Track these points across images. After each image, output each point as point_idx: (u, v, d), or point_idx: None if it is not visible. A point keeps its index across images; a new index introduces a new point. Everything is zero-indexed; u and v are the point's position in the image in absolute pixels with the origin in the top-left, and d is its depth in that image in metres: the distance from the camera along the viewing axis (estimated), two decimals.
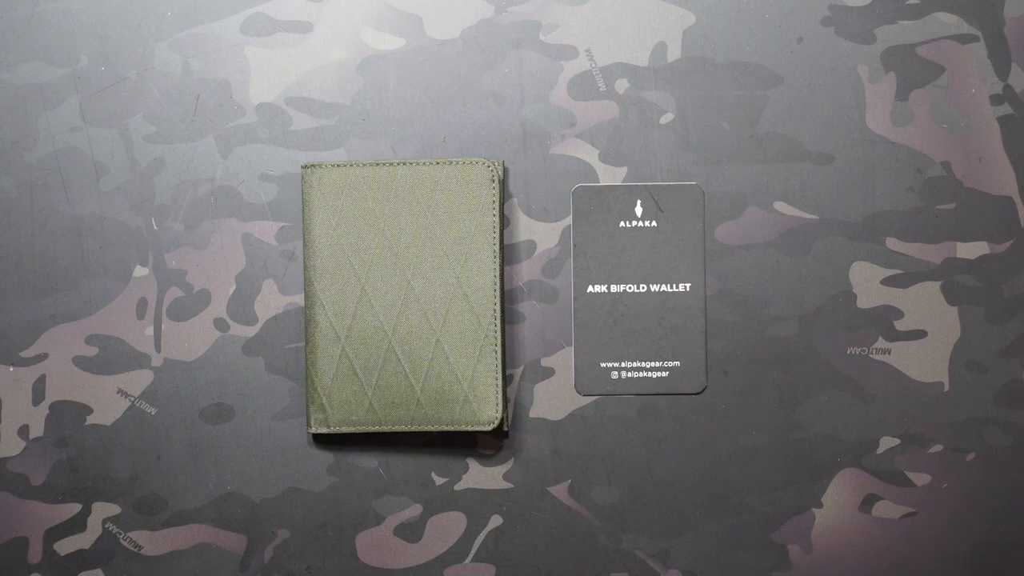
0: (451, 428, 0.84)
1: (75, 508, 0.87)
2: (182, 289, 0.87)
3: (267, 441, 0.87)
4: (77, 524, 0.87)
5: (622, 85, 0.87)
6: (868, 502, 0.87)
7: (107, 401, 0.87)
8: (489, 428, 0.83)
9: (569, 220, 0.87)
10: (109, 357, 0.87)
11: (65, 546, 0.87)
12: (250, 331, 0.87)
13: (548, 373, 0.87)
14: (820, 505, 0.87)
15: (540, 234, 0.87)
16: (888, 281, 0.87)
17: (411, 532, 0.87)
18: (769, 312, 0.87)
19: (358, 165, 0.84)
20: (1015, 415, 0.87)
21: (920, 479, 0.87)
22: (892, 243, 0.87)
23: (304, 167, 0.85)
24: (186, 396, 0.87)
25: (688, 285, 0.87)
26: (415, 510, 0.87)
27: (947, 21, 0.88)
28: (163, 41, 0.87)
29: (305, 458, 0.87)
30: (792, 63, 0.87)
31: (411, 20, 0.88)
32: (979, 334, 0.87)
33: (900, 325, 0.87)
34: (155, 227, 0.87)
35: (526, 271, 0.87)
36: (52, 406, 0.87)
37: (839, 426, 0.87)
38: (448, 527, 0.87)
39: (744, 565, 0.87)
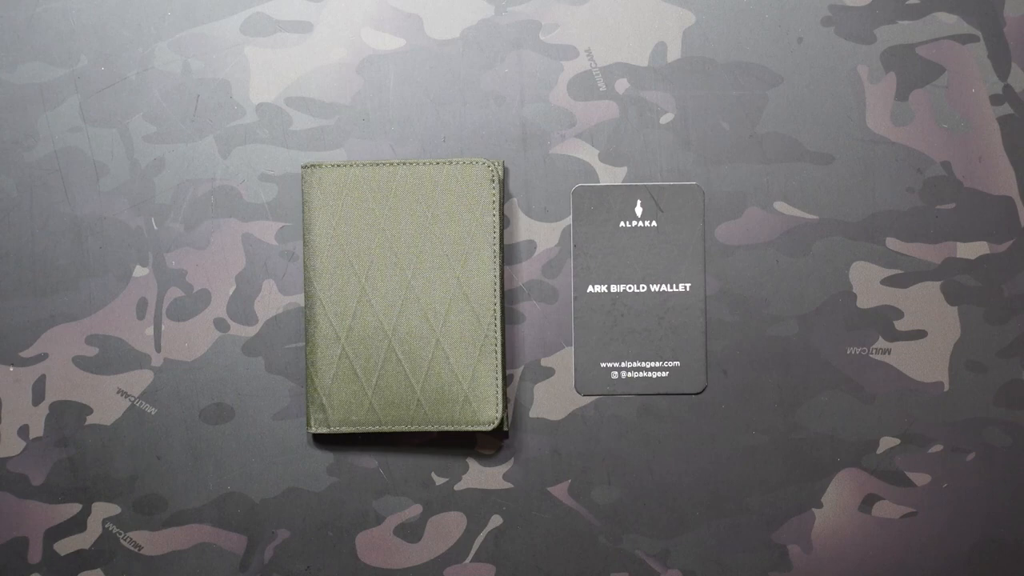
0: (451, 428, 0.84)
1: (75, 508, 0.87)
2: (182, 289, 0.87)
3: (267, 441, 0.87)
4: (77, 524, 0.87)
5: (622, 85, 0.87)
6: (868, 502, 0.87)
7: (107, 401, 0.87)
8: (489, 428, 0.83)
9: (569, 220, 0.87)
10: (109, 357, 0.87)
11: (65, 546, 0.87)
12: (250, 331, 0.87)
13: (548, 373, 0.87)
14: (820, 505, 0.87)
15: (540, 234, 0.87)
16: (888, 281, 0.87)
17: (411, 532, 0.87)
18: (769, 312, 0.87)
19: (358, 165, 0.84)
20: (1015, 415, 0.87)
21: (920, 479, 0.87)
22: (892, 243, 0.87)
23: (304, 167, 0.85)
24: (186, 396, 0.87)
25: (688, 285, 0.87)
26: (415, 510, 0.87)
27: (947, 21, 0.88)
28: (163, 41, 0.87)
29: (305, 458, 0.87)
30: (792, 63, 0.87)
31: (411, 20, 0.88)
32: (979, 334, 0.87)
33: (900, 325, 0.87)
34: (155, 227, 0.87)
35: (526, 271, 0.87)
36: (52, 406, 0.87)
37: (839, 426, 0.87)
38: (448, 527, 0.87)
39: (744, 565, 0.87)
